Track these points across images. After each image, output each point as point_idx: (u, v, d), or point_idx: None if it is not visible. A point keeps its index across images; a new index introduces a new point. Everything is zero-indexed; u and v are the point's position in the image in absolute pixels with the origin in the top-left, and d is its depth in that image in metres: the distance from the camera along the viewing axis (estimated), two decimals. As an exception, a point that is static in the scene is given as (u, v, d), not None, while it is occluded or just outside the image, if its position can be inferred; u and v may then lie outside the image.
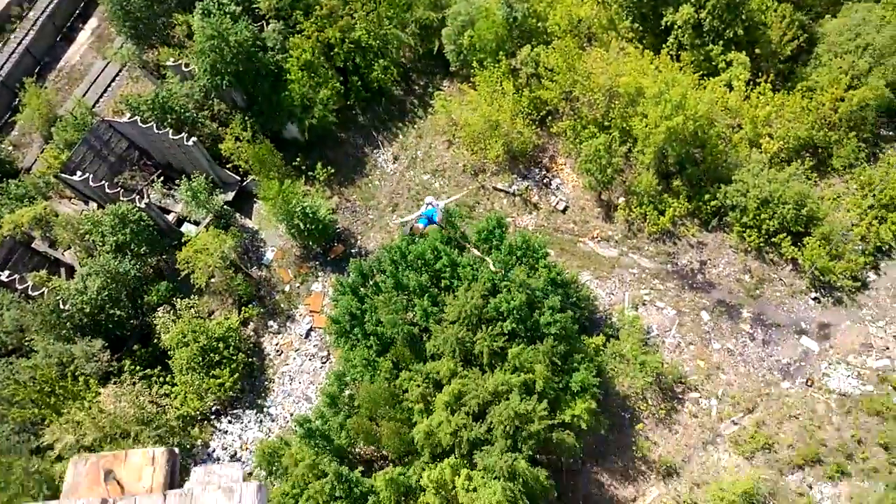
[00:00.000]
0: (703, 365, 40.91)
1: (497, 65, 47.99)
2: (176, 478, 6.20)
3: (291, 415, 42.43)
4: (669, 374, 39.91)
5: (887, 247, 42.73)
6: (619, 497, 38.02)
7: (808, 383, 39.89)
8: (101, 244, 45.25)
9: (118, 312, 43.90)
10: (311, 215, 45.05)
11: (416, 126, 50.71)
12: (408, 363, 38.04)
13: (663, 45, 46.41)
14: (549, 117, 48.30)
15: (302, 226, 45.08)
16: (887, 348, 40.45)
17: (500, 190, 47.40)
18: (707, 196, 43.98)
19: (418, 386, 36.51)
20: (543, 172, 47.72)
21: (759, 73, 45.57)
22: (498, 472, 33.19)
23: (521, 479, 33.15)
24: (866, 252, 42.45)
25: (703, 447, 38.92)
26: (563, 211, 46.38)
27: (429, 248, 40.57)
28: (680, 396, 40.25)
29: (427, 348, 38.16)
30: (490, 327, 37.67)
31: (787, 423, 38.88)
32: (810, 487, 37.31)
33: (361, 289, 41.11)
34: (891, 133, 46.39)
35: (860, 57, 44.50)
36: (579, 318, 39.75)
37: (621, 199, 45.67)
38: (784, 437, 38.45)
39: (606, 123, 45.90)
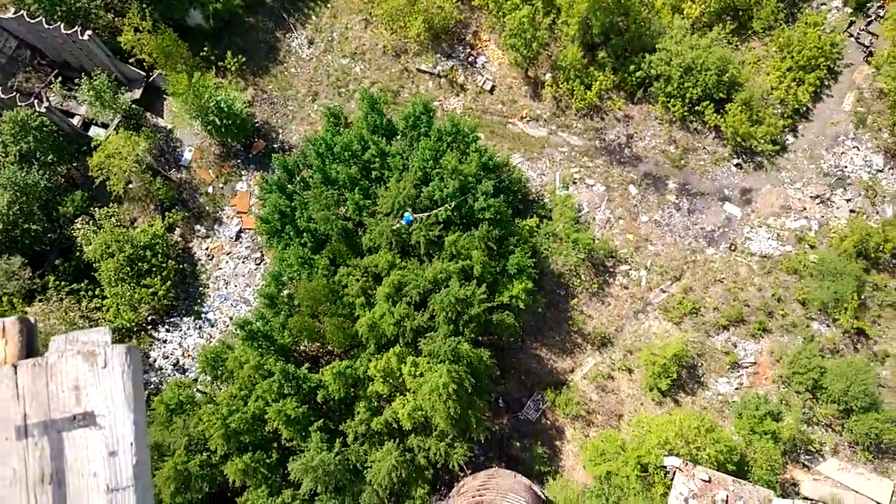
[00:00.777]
0: (632, 238, 41.13)
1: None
2: (34, 349, 5.06)
3: (231, 318, 40.95)
4: (601, 250, 40.01)
5: (804, 108, 42.85)
6: (558, 369, 38.88)
7: (732, 248, 40.79)
8: (3, 156, 40.92)
9: (33, 227, 40.42)
10: (226, 110, 41.51)
11: (329, 5, 46.52)
12: (345, 258, 36.67)
13: None
14: (474, -13, 45.08)
15: (218, 122, 41.63)
16: (804, 209, 41.45)
17: (425, 72, 44.63)
18: (632, 67, 42.59)
19: (357, 280, 35.41)
20: (468, 50, 45.04)
21: (683, -65, 43.20)
22: (442, 356, 33.08)
23: (464, 361, 33.20)
24: (785, 115, 42.50)
25: (634, 316, 39.82)
26: (491, 91, 44.27)
27: (355, 139, 38.23)
28: (611, 270, 40.61)
29: (363, 242, 36.77)
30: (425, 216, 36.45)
31: (713, 287, 39.96)
32: (734, 346, 38.97)
33: (289, 185, 38.77)
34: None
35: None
36: (512, 202, 38.88)
37: (548, 76, 43.78)
38: (710, 301, 39.62)
39: (530, -4, 43.09)
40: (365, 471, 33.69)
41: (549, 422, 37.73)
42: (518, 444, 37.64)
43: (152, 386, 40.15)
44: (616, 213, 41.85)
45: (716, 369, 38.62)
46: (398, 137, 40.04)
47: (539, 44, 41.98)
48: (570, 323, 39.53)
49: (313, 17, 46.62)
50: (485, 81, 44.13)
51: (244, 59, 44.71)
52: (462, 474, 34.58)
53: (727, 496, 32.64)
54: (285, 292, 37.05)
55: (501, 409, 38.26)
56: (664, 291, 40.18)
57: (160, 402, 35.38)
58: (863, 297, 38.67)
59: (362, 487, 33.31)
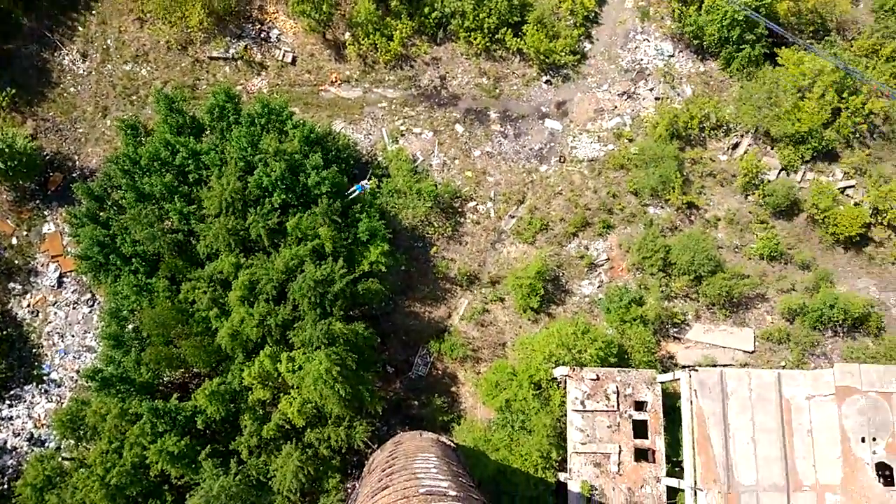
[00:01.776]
0: (471, 174, 40.38)
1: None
2: None
3: (78, 372, 36.07)
4: (445, 193, 38.98)
5: (593, 14, 43.56)
6: (435, 319, 37.83)
7: (561, 160, 41.16)
8: None
9: None
10: (7, 151, 35.86)
11: (94, 11, 41.05)
12: (185, 273, 33.03)
13: None
14: (242, -37, 41.38)
15: (2, 165, 35.93)
16: (616, 107, 42.49)
17: (218, 58, 40.73)
18: (427, 9, 41.14)
19: (205, 292, 32.00)
20: (258, 26, 41.54)
21: None
22: (317, 343, 30.85)
23: (341, 340, 31.19)
24: (577, 24, 42.99)
25: (492, 247, 39.38)
26: (293, 62, 41.24)
27: (161, 146, 34.18)
28: (460, 210, 39.77)
29: (200, 251, 33.23)
30: (259, 206, 33.47)
31: (554, 200, 40.23)
32: (587, 248, 39.63)
33: (101, 213, 34.16)
34: None
35: None
36: (346, 169, 36.64)
37: (347, 35, 41.43)
38: (555, 214, 39.90)
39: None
40: (270, 481, 31.11)
41: (439, 372, 36.73)
42: (416, 402, 36.43)
43: (10, 471, 34.82)
44: (450, 154, 40.82)
45: (576, 275, 39.18)
46: (207, 133, 36.42)
47: (329, 4, 39.48)
48: (434, 271, 38.41)
49: (80, 28, 41.00)
50: (284, 54, 40.99)
51: (13, 92, 38.80)
52: (369, 451, 32.90)
53: (616, 387, 33.40)
54: (130, 327, 32.94)
55: (391, 375, 36.75)
56: (513, 217, 39.97)
57: (24, 486, 30.62)
58: (685, 173, 40.47)
59: (272, 499, 30.75)
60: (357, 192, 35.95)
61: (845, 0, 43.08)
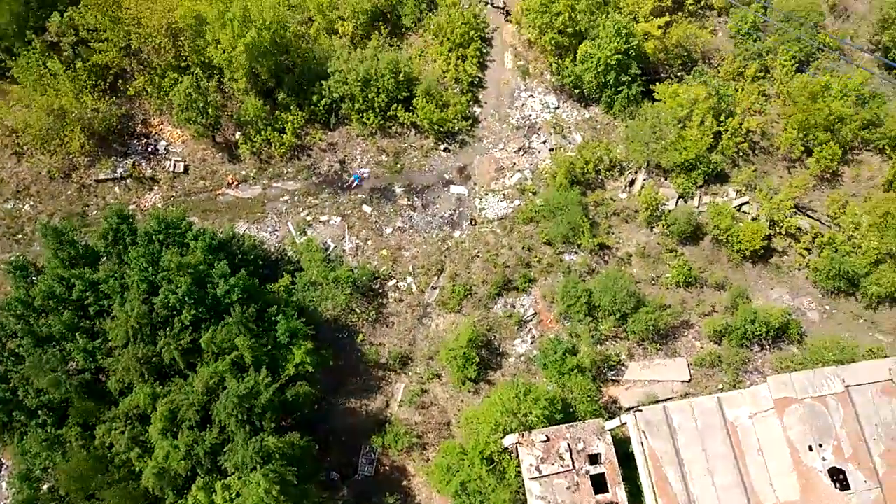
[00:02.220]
0: (386, 253, 39.52)
1: (30, 46, 37.85)
2: None
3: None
4: (363, 277, 37.82)
5: (477, 79, 44.25)
6: (372, 411, 36.13)
7: (473, 223, 40.96)
8: None
9: None
10: None
11: (-36, 153, 38.50)
12: (98, 416, 30.30)
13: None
14: (120, 81, 39.89)
15: None
16: (514, 163, 42.89)
17: (105, 180, 38.77)
18: (315, 97, 40.73)
19: (122, 432, 29.38)
20: (144, 141, 39.95)
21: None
22: (251, 464, 28.67)
23: (276, 456, 29.11)
24: (464, 91, 43.49)
25: (420, 323, 38.32)
26: (186, 171, 39.73)
27: (55, 282, 31.75)
28: (381, 291, 38.69)
29: (111, 388, 30.67)
30: (169, 328, 31.36)
31: (473, 264, 39.78)
32: (513, 306, 39.16)
33: (-5, 367, 31.17)
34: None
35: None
36: (255, 271, 35.05)
37: (238, 135, 40.34)
38: (476, 277, 39.39)
39: (184, 64, 39.25)
40: None
41: (387, 468, 34.85)
42: (368, 504, 34.29)
43: None
44: (361, 236, 39.90)
45: (508, 335, 38.56)
46: (104, 260, 34.23)
47: (215, 107, 38.46)
48: (364, 361, 36.87)
49: (-48, 171, 38.25)
50: (175, 164, 39.44)
51: None
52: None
53: (568, 444, 32.51)
54: (45, 487, 29.75)
55: (337, 482, 34.51)
56: (435, 288, 39.18)
57: None
58: (591, 216, 40.96)
59: None
60: (356, 182, 39.69)
61: (705, 32, 45.51)
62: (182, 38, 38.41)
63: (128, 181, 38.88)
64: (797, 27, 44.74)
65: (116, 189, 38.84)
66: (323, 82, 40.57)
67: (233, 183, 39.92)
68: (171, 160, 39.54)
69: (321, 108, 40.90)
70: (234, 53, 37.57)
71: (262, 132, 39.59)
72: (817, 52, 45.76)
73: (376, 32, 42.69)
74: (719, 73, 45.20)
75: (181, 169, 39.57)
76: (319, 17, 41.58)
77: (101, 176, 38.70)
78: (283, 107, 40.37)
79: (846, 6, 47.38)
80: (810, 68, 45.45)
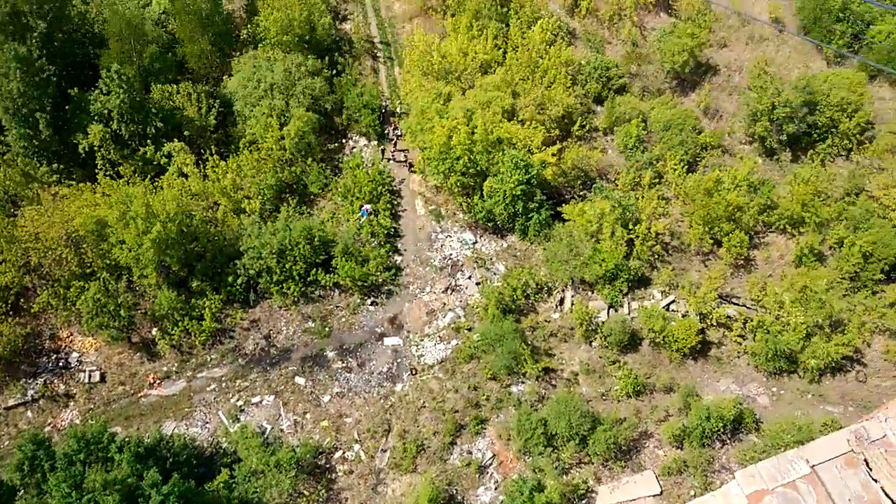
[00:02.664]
0: (328, 423, 38.34)
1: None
2: None
3: None
4: (306, 455, 36.25)
5: (392, 230, 45.63)
6: None
7: (413, 373, 40.60)
8: None
9: None
10: None
11: None
12: None
13: (96, 171, 41.11)
14: (22, 299, 39.01)
15: None
16: (444, 304, 43.50)
17: (16, 406, 36.74)
18: (231, 278, 40.83)
19: None
20: (54, 356, 38.51)
21: (202, 150, 43.69)
22: None
23: None
24: (382, 243, 44.62)
25: (374, 492, 36.60)
26: (102, 380, 38.21)
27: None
28: (328, 465, 37.07)
29: None
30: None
31: (420, 416, 38.99)
32: (470, 453, 38.16)
33: None
34: (335, 145, 49.28)
35: (272, 98, 45.74)
36: (190, 473, 33.13)
37: (154, 331, 39.53)
38: (426, 430, 38.45)
39: (89, 270, 38.94)
40: None
41: None
42: None
43: None
44: (298, 410, 38.72)
45: (470, 485, 37.22)
46: (21, 493, 31.82)
47: (127, 308, 37.82)
48: (322, 548, 34.59)
49: None
50: (90, 375, 37.94)
51: None
52: None
53: None
54: None
55: None
56: (385, 450, 37.89)
57: None
58: (529, 342, 41.36)
59: None
60: (364, 217, 43.53)
61: (596, 151, 49.06)
62: (84, 245, 38.38)
63: (40, 402, 36.97)
64: (678, 133, 48.94)
65: (29, 413, 36.77)
66: (237, 261, 40.88)
67: (155, 382, 38.54)
68: (85, 371, 38.06)
69: (238, 287, 40.91)
70: (140, 251, 37.65)
71: (180, 323, 38.96)
72: (702, 152, 49.93)
73: (284, 204, 43.94)
74: (618, 185, 48.33)
75: (97, 378, 38.06)
76: (224, 200, 42.60)
77: (11, 402, 36.71)
78: (198, 294, 40.17)
79: (717, 108, 52.43)
80: (699, 167, 49.34)
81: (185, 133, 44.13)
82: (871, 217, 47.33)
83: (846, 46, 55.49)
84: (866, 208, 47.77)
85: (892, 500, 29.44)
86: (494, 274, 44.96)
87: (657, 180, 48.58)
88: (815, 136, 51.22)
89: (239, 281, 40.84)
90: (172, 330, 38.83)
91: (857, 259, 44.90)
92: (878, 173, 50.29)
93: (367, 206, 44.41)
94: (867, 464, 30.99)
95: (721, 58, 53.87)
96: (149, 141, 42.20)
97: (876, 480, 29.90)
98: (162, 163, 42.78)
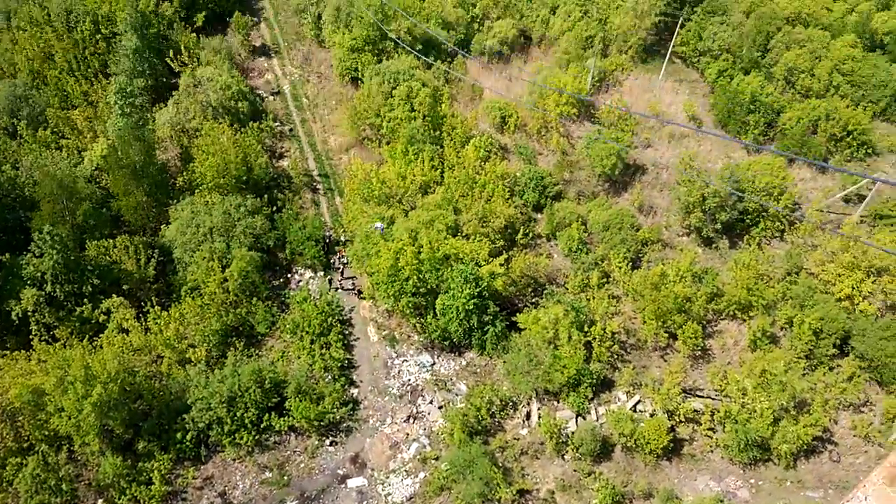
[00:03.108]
0: (295, 583, 36.15)
1: None
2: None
3: None
4: None
5: (346, 361, 45.15)
6: None
7: (381, 513, 39.07)
8: None
9: None
10: None
11: None
12: None
13: (30, 337, 40.02)
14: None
15: None
16: (408, 434, 42.57)
17: None
18: (179, 434, 39.32)
19: None
20: (-12, 547, 35.73)
21: (143, 302, 43.20)
22: None
23: None
24: (336, 377, 43.96)
25: None
26: (43, 567, 35.37)
27: None
28: None
29: None
30: None
31: (393, 561, 37.12)
32: None
33: None
34: (281, 281, 49.41)
35: (212, 241, 46.07)
36: None
37: (100, 502, 37.29)
38: (401, 576, 36.52)
39: (26, 444, 37.02)
40: None
41: None
42: None
43: None
44: (263, 572, 36.46)
45: None
46: None
47: (68, 482, 35.86)
48: None
49: None
50: (28, 563, 35.19)
51: None
52: None
53: None
54: None
55: None
56: None
57: None
58: (500, 464, 40.55)
59: None
60: (380, 232, 46.43)
61: (542, 258, 50.48)
62: (20, 418, 36.70)
63: None
64: (617, 232, 50.95)
65: None
66: (185, 415, 39.52)
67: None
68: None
69: (188, 443, 39.32)
70: (81, 417, 36.13)
71: (127, 490, 36.91)
72: (643, 248, 51.92)
73: (231, 349, 43.27)
74: (568, 289, 49.49)
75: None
76: (168, 352, 41.72)
77: None
78: (145, 456, 38.40)
79: (650, 204, 55.10)
80: (643, 262, 51.14)
81: (124, 287, 43.73)
82: (814, 294, 49.51)
83: (762, 135, 60.01)
84: (808, 286, 50.04)
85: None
86: (456, 395, 44.57)
87: (605, 280, 49.99)
88: (748, 221, 54.17)
89: (188, 436, 39.34)
90: (120, 499, 36.70)
91: (809, 337, 46.47)
92: (812, 250, 53.10)
93: (380, 224, 47.51)
94: (856, 550, 30.88)
95: (647, 157, 57.29)
96: (85, 300, 41.55)
97: (868, 565, 29.50)
98: (101, 320, 42.01)
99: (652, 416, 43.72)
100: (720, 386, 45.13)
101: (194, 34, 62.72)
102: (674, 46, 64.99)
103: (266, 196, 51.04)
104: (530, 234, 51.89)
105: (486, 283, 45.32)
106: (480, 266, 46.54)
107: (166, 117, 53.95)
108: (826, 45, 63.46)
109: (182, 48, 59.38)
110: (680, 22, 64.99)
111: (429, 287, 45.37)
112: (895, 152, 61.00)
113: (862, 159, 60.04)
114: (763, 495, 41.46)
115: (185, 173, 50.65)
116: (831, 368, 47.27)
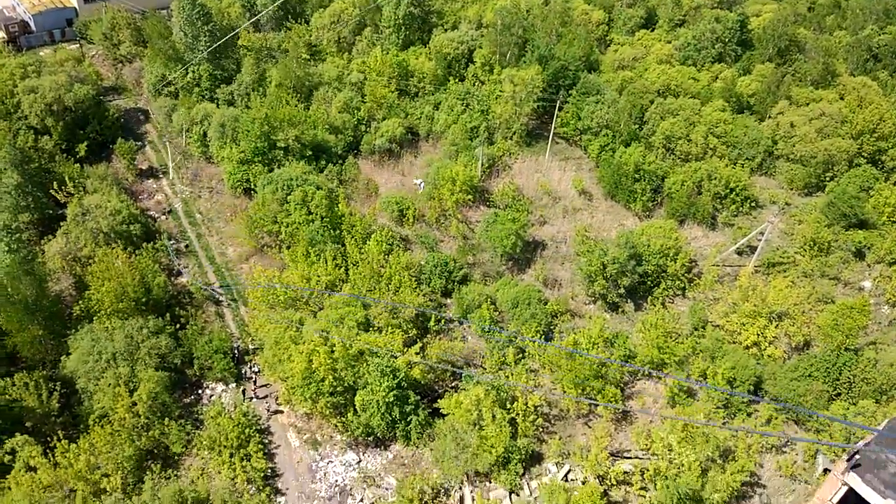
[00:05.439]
0: None
1: None
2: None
3: None
4: None
5: (269, 471, 48.95)
6: None
7: None
8: None
9: None
10: None
11: None
12: None
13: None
14: None
15: None
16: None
17: None
18: None
19: None
20: None
21: (49, 437, 46.25)
22: None
23: None
24: (260, 488, 47.65)
25: None
26: None
27: None
28: None
29: None
30: None
31: None
32: None
33: None
34: (192, 398, 53.39)
35: (116, 367, 50.07)
36: None
37: None
38: None
39: None
40: None
41: None
42: None
43: None
44: None
45: None
46: None
47: None
48: None
49: None
50: None
51: None
52: None
53: None
54: None
55: None
56: None
57: None
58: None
59: None
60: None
61: (456, 341, 56.89)
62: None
63: None
64: (526, 308, 58.32)
65: None
66: None
67: None
68: None
69: None
70: None
71: None
72: (553, 320, 59.37)
73: (148, 472, 46.46)
74: (486, 369, 55.78)
75: None
76: (81, 485, 44.39)
77: None
78: None
79: (554, 277, 63.23)
80: (555, 334, 58.40)
81: (27, 424, 46.70)
82: (721, 345, 57.94)
83: (650, 201, 70.24)
84: (715, 337, 58.53)
85: None
86: (387, 489, 49.02)
87: (521, 356, 56.67)
88: (649, 283, 62.94)
89: None
90: None
91: (724, 386, 54.06)
92: (714, 303, 62.09)
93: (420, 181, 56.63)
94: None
95: (545, 233, 66.02)
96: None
97: None
98: (6, 461, 44.62)
99: (584, 483, 49.38)
100: (646, 445, 51.49)
101: (77, 164, 68.39)
102: (555, 128, 75.85)
103: (168, 314, 55.61)
104: (442, 321, 58.41)
105: (403, 374, 50.85)
106: (396, 357, 52.23)
107: (56, 248, 58.51)
108: (698, 112, 75.92)
109: (66, 179, 64.73)
110: (558, 105, 76.21)
111: (346, 385, 50.47)
112: (777, 203, 72.47)
113: (748, 213, 70.98)
114: (701, 545, 47.27)
115: (81, 302, 54.76)
116: (749, 415, 54.93)
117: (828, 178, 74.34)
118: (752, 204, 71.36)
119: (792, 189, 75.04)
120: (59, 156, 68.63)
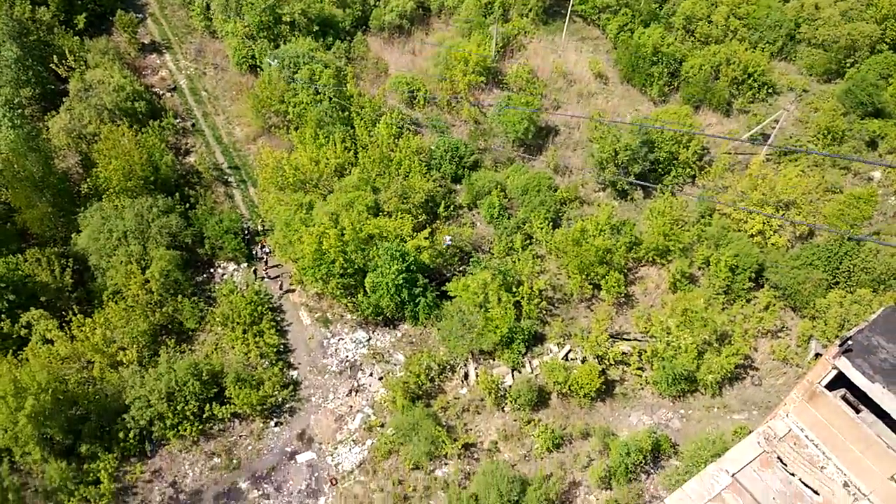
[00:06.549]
0: (257, 555, 42.02)
1: None
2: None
3: None
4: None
5: (281, 346, 51.12)
6: None
7: (334, 482, 45.26)
8: None
9: None
10: None
11: None
12: None
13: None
14: None
15: None
16: (351, 406, 49.03)
17: None
18: (121, 433, 44.51)
19: None
20: (-60, 564, 40.12)
21: (64, 312, 47.83)
22: None
23: None
24: (273, 362, 49.93)
25: None
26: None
27: None
28: None
29: None
30: None
31: (351, 524, 43.50)
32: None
33: None
34: (204, 276, 54.84)
35: (128, 245, 51.12)
36: None
37: (47, 507, 42.28)
38: (359, 537, 42.91)
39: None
40: None
41: None
42: None
43: None
44: (223, 553, 42.14)
45: (417, 579, 41.73)
46: None
47: (14, 491, 40.51)
48: None
49: None
50: (-14, 572, 39.85)
51: None
52: None
53: None
54: None
55: None
56: (323, 568, 41.87)
57: None
58: (444, 423, 47.37)
59: None
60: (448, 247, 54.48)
61: (465, 228, 57.67)
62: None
63: None
64: (536, 195, 58.70)
65: None
66: (125, 415, 44.71)
67: (61, 561, 40.90)
68: (-20, 569, 39.94)
69: (132, 440, 44.57)
70: (17, 429, 40.84)
71: (76, 493, 41.91)
72: (562, 207, 59.88)
73: (163, 346, 48.51)
74: (494, 254, 56.84)
75: (-5, 573, 39.99)
76: (98, 357, 46.64)
77: None
78: (89, 458, 43.39)
79: (566, 164, 63.20)
80: (563, 221, 59.05)
81: (42, 299, 48.34)
82: (727, 233, 58.62)
83: (666, 86, 69.06)
84: (721, 226, 59.14)
85: (810, 488, 35.85)
86: (395, 365, 51.21)
87: (528, 242, 57.61)
88: (660, 170, 62.94)
89: (131, 434, 44.54)
90: (68, 501, 41.68)
91: (726, 273, 55.24)
92: (723, 192, 62.28)
93: (449, 238, 55.15)
94: (781, 460, 37.93)
95: (558, 118, 65.37)
96: (3, 316, 46.00)
97: (793, 474, 36.04)
98: (22, 334, 46.54)
99: (583, 362, 51.46)
100: (645, 328, 53.29)
101: (77, 37, 67.04)
102: (573, 6, 73.54)
103: (177, 194, 56.25)
104: (451, 206, 58.95)
105: (412, 258, 52.01)
106: (406, 241, 53.19)
107: (60, 125, 58.37)
108: (721, -9, 73.36)
109: (66, 53, 63.69)
110: (577, -20, 73.72)
111: (356, 267, 51.70)
112: (794, 90, 71.27)
113: (764, 99, 69.93)
114: (693, 423, 49.79)
115: (88, 180, 55.31)
116: (748, 301, 56.32)
117: (848, 65, 72.63)
118: (770, 90, 70.13)
119: (811, 75, 73.50)
120: (57, 27, 67.15)
